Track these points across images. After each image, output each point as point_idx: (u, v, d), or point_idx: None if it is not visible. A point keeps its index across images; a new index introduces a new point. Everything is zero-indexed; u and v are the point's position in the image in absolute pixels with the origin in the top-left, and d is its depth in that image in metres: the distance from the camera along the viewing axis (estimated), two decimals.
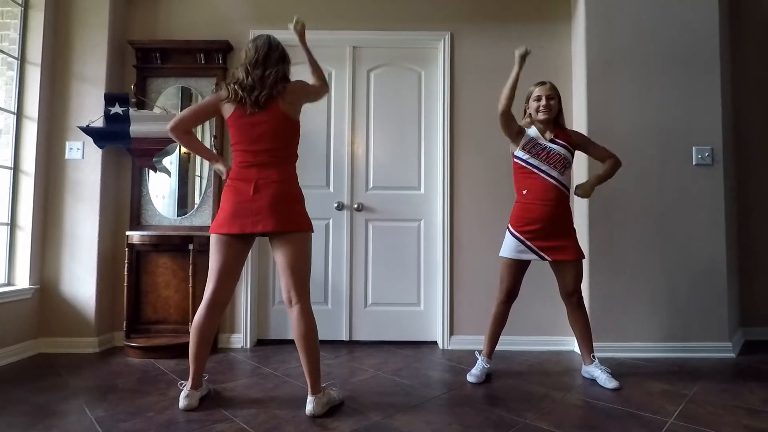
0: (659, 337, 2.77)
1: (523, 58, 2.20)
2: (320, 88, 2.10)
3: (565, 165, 2.28)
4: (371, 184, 3.15)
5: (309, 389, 1.88)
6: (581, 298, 2.33)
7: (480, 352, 2.42)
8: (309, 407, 1.85)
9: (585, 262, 2.82)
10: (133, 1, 3.14)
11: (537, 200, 2.26)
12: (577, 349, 2.89)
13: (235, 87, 1.93)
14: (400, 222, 3.13)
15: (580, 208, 2.89)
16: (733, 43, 3.25)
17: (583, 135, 2.42)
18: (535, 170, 2.27)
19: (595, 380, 2.28)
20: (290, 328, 3.04)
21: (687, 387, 2.22)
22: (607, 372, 2.25)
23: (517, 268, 2.32)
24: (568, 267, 2.28)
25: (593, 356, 2.33)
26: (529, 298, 2.78)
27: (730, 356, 2.73)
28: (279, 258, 1.93)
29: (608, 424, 1.80)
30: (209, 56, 3.07)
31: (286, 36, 3.09)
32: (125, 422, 1.80)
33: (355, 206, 3.12)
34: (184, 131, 1.99)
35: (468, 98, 3.08)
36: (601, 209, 2.82)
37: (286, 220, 1.89)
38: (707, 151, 2.81)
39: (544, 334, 2.95)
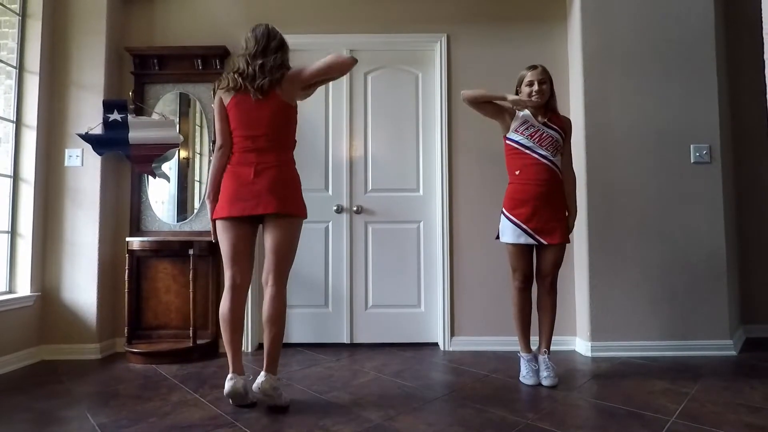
0: (660, 335, 2.77)
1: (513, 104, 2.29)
2: (326, 64, 1.98)
3: (557, 147, 2.30)
4: (370, 187, 3.16)
5: (264, 367, 1.91)
6: (555, 283, 2.34)
7: (519, 353, 2.40)
8: (259, 380, 1.89)
9: (584, 262, 2.83)
10: (130, 8, 3.16)
11: (530, 180, 2.27)
12: (578, 348, 2.90)
13: (235, 76, 1.98)
14: (400, 224, 3.14)
15: (579, 207, 2.86)
16: (729, 40, 3.26)
17: (570, 129, 2.41)
18: (528, 151, 2.28)
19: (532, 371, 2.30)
20: (291, 331, 3.07)
21: (688, 385, 2.22)
22: (553, 369, 2.27)
23: (524, 251, 2.32)
24: (552, 249, 2.29)
25: (547, 351, 2.32)
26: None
27: (731, 354, 2.73)
28: (268, 239, 1.98)
29: (610, 424, 1.80)
30: (207, 62, 3.08)
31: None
32: (127, 428, 1.81)
33: (355, 209, 3.13)
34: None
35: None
36: (600, 208, 2.83)
37: (286, 203, 1.95)
38: (705, 149, 2.82)
39: None
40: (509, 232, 2.31)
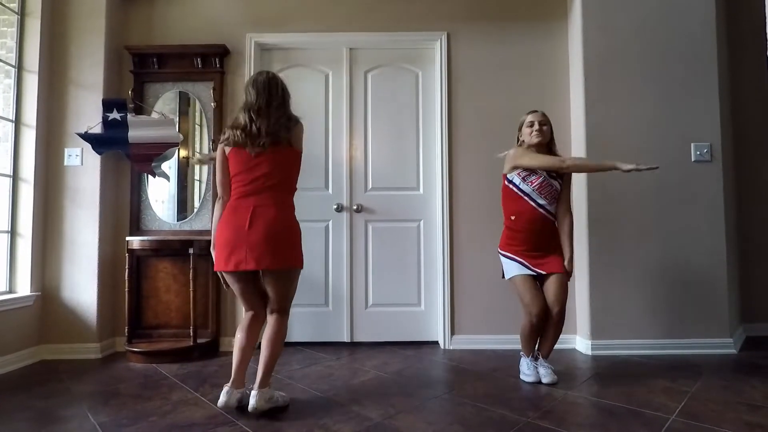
0: (660, 334, 2.77)
1: (630, 170, 2.16)
2: None
3: (555, 196, 2.30)
4: (370, 185, 3.15)
5: (257, 383, 1.89)
6: (563, 314, 2.25)
7: (520, 352, 2.41)
8: (252, 401, 1.86)
9: (584, 260, 2.82)
10: (129, 6, 3.15)
11: (524, 229, 2.28)
12: (578, 346, 2.91)
13: (237, 133, 1.91)
14: (400, 223, 3.13)
15: (579, 206, 2.88)
16: (730, 39, 3.26)
17: (570, 174, 2.39)
18: (525, 198, 2.28)
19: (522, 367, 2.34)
20: (292, 330, 3.06)
21: (688, 384, 2.22)
22: (551, 368, 2.28)
23: (533, 283, 2.28)
24: (553, 279, 2.26)
25: (546, 357, 2.33)
26: None
27: (731, 352, 2.73)
28: (268, 284, 1.96)
29: (610, 422, 1.80)
30: (206, 60, 3.07)
31: (284, 39, 3.14)
32: (128, 427, 1.81)
33: (355, 207, 3.13)
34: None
35: (465, 98, 3.09)
36: (601, 207, 2.83)
37: (280, 258, 1.88)
38: (706, 147, 2.81)
39: None
40: (513, 267, 2.31)
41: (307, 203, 3.08)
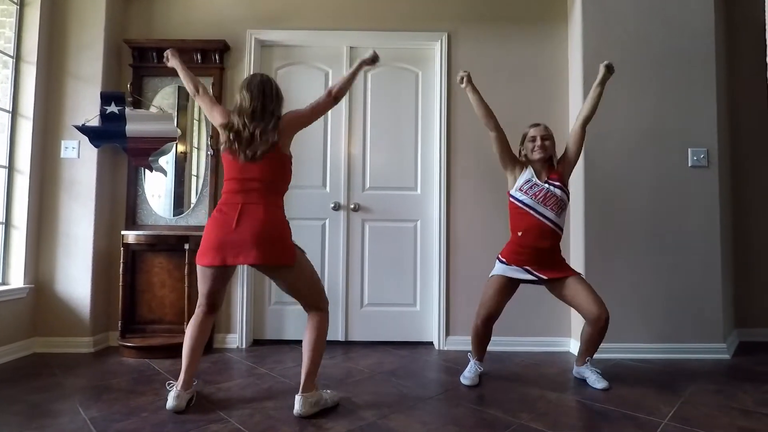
0: (654, 338, 2.77)
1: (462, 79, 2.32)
2: (320, 104, 2.04)
3: (562, 207, 2.28)
4: (368, 185, 3.15)
5: (300, 389, 1.88)
6: (608, 317, 2.15)
7: (469, 353, 2.41)
8: (297, 406, 1.85)
9: (580, 263, 2.83)
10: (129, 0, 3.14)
11: (532, 244, 2.24)
12: (573, 350, 2.91)
13: (231, 136, 1.91)
14: (397, 222, 3.13)
15: (576, 208, 2.89)
16: (728, 45, 3.27)
17: (561, 157, 2.37)
18: (531, 211, 2.25)
19: (585, 380, 2.29)
20: (286, 328, 3.06)
21: (682, 388, 2.23)
22: (598, 372, 2.26)
23: (502, 287, 2.28)
24: (574, 282, 2.23)
25: (588, 359, 2.32)
26: (524, 300, 2.77)
27: (724, 357, 2.74)
28: (282, 286, 1.98)
29: (603, 425, 1.80)
30: (206, 56, 3.06)
31: (284, 36, 3.13)
32: (119, 422, 1.80)
33: (352, 206, 3.12)
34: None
35: (465, 99, 3.05)
36: (597, 210, 2.83)
37: (267, 254, 1.85)
38: (703, 153, 2.82)
39: (539, 335, 2.96)
40: (501, 268, 2.30)
41: (304, 201, 3.08)
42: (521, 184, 2.30)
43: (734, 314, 3.15)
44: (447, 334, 2.99)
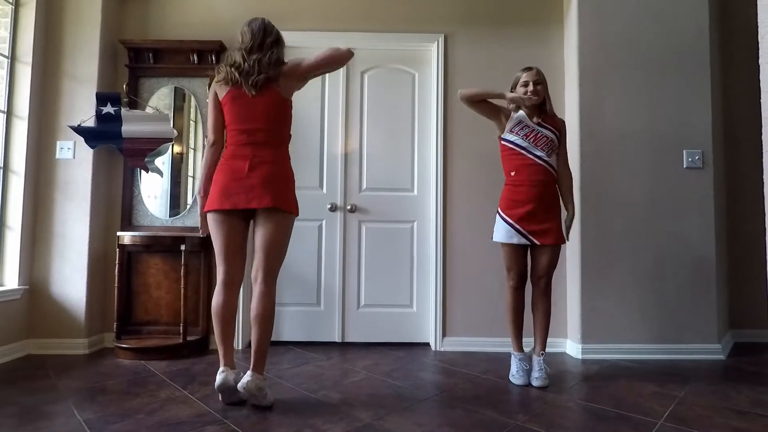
0: (650, 338, 2.79)
1: (511, 102, 2.27)
2: (325, 57, 1.96)
3: (552, 147, 2.31)
4: (364, 186, 3.15)
5: (251, 366, 1.90)
6: (549, 284, 2.34)
7: (511, 351, 2.41)
8: (245, 379, 1.86)
9: (576, 265, 2.84)
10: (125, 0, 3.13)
11: (526, 181, 2.28)
12: (569, 350, 2.92)
13: (232, 69, 1.96)
14: (393, 223, 3.13)
15: None
16: (723, 46, 3.29)
17: (564, 129, 2.41)
18: (523, 152, 2.29)
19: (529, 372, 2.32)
20: (283, 329, 3.06)
21: (677, 389, 2.24)
22: (545, 371, 2.29)
23: (518, 251, 2.33)
24: (546, 250, 2.29)
25: (543, 352, 2.34)
26: None
27: (719, 358, 2.75)
28: (259, 235, 1.95)
29: (599, 426, 1.81)
30: (202, 56, 3.06)
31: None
32: (114, 424, 1.79)
33: (348, 207, 3.12)
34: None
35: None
36: (593, 212, 2.84)
37: (280, 198, 1.91)
38: (698, 154, 2.84)
39: None
40: (502, 232, 2.32)
41: (300, 202, 3.03)
42: (512, 126, 2.32)
43: (729, 315, 3.17)
44: (443, 335, 2.99)
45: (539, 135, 2.29)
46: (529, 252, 2.37)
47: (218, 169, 1.98)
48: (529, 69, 2.35)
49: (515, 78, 2.39)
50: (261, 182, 1.90)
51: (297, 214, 2.02)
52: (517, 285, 2.35)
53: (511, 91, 2.38)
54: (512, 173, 2.33)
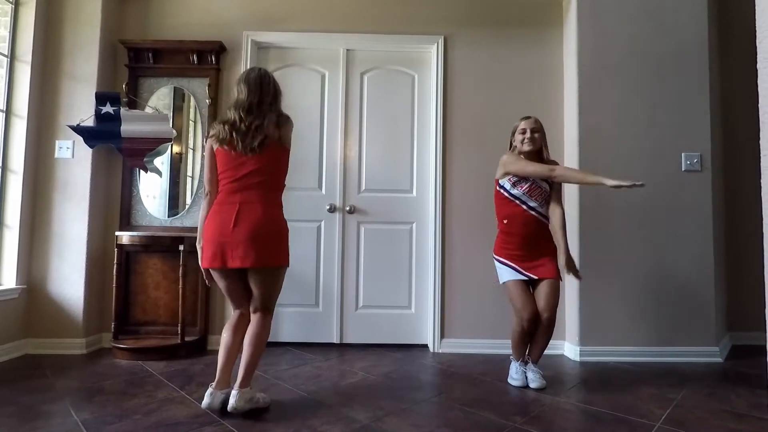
0: (648, 341, 2.79)
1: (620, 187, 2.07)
2: None
3: (545, 198, 2.32)
4: (363, 187, 3.15)
5: (238, 382, 1.87)
6: (553, 320, 2.25)
7: (510, 356, 2.42)
8: (232, 401, 1.84)
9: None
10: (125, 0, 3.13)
11: (517, 232, 2.29)
12: (567, 352, 2.92)
13: (226, 128, 1.88)
14: (392, 225, 3.13)
15: (571, 214, 2.89)
16: (722, 49, 3.30)
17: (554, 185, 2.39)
18: (517, 202, 2.29)
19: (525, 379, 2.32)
20: (281, 330, 3.05)
21: (674, 391, 2.24)
22: (539, 373, 2.30)
23: (525, 290, 2.30)
24: (545, 285, 2.27)
25: (536, 362, 2.34)
26: None
27: (717, 361, 2.75)
28: (251, 283, 1.93)
29: (596, 428, 1.81)
30: (202, 57, 3.06)
31: (281, 38, 3.13)
32: (111, 425, 1.78)
33: (347, 208, 3.12)
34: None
35: (461, 102, 3.10)
36: (591, 215, 2.84)
37: (264, 256, 1.86)
38: (696, 157, 2.84)
39: None
40: (506, 272, 2.32)
41: (299, 203, 3.07)
42: (510, 176, 2.31)
43: (727, 318, 3.17)
44: (442, 336, 2.99)
45: (534, 186, 2.29)
46: (532, 290, 2.33)
47: (208, 217, 1.92)
48: (527, 118, 2.37)
49: (513, 127, 2.40)
50: (246, 238, 1.83)
51: (287, 265, 1.97)
52: (529, 329, 2.27)
53: (510, 140, 2.40)
54: (504, 221, 2.33)
